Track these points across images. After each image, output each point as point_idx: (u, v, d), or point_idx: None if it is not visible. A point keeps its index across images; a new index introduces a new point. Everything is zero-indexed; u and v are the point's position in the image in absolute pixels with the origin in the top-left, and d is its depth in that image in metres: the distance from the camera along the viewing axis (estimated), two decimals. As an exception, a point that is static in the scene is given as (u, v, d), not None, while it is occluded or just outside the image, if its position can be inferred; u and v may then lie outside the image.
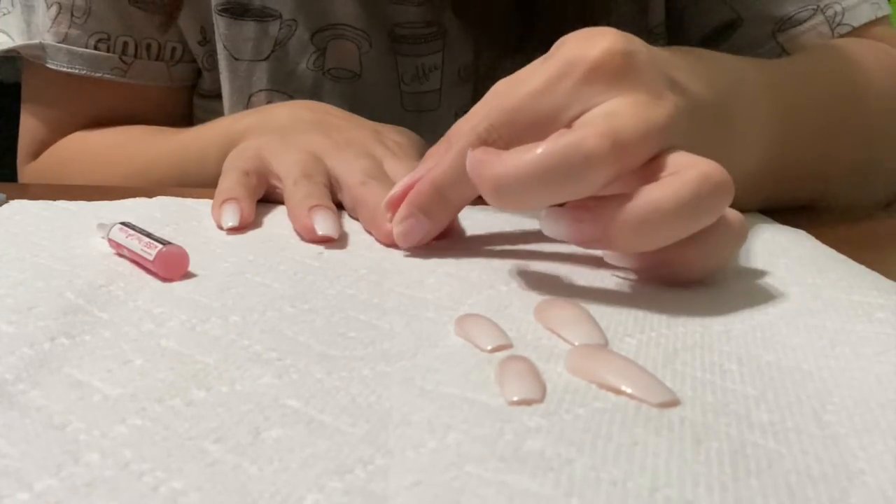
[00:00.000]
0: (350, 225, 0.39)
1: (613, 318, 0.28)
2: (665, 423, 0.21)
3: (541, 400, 0.22)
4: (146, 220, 0.37)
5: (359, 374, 0.23)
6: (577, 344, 0.26)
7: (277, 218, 0.40)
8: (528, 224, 0.39)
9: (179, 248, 0.32)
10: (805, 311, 0.28)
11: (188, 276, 0.32)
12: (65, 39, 0.59)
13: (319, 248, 0.35)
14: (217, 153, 0.47)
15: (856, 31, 0.55)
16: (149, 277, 0.31)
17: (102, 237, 0.35)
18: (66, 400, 0.21)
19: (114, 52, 0.59)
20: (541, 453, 0.19)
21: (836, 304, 0.28)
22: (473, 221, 0.39)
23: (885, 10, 0.56)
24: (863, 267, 0.32)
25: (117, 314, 0.28)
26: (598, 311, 0.28)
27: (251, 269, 0.33)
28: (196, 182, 0.50)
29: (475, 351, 0.25)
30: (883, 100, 0.50)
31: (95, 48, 0.59)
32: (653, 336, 0.26)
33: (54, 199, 0.42)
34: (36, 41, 0.59)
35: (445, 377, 0.23)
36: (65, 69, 0.59)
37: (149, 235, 0.33)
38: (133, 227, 0.34)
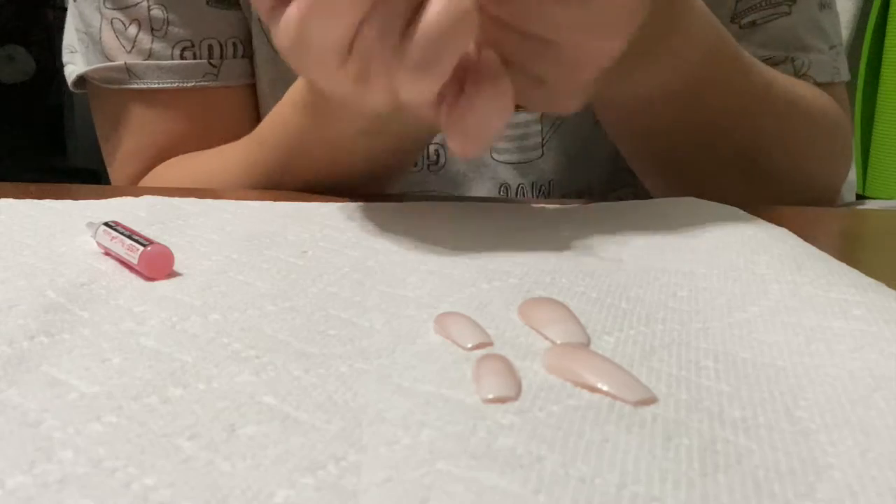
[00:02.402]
0: (337, 224, 0.39)
1: (593, 316, 0.28)
2: (637, 421, 0.21)
3: (516, 397, 0.22)
4: (132, 219, 0.37)
5: (336, 371, 0.24)
6: (559, 343, 0.26)
7: (264, 216, 0.40)
8: (512, 222, 0.39)
9: (164, 247, 0.32)
10: (783, 308, 0.28)
11: (173, 274, 0.32)
12: (150, 55, 0.56)
13: (304, 248, 0.35)
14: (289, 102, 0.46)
15: (816, 85, 0.60)
16: (131, 276, 0.32)
17: (91, 236, 0.35)
18: (41, 398, 0.22)
19: (201, 58, 0.56)
20: (512, 450, 0.19)
21: (814, 301, 0.28)
22: (457, 220, 0.39)
23: (845, 76, 0.61)
24: (842, 264, 0.32)
25: (98, 313, 0.28)
26: (579, 308, 0.28)
27: (235, 267, 0.33)
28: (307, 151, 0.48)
29: (453, 348, 0.25)
30: (814, 124, 0.54)
31: (182, 57, 0.56)
32: (631, 334, 0.26)
33: (56, 199, 0.42)
34: (119, 62, 0.56)
35: (422, 374, 0.23)
36: (156, 85, 0.56)
37: (133, 235, 0.33)
38: (118, 227, 0.34)
